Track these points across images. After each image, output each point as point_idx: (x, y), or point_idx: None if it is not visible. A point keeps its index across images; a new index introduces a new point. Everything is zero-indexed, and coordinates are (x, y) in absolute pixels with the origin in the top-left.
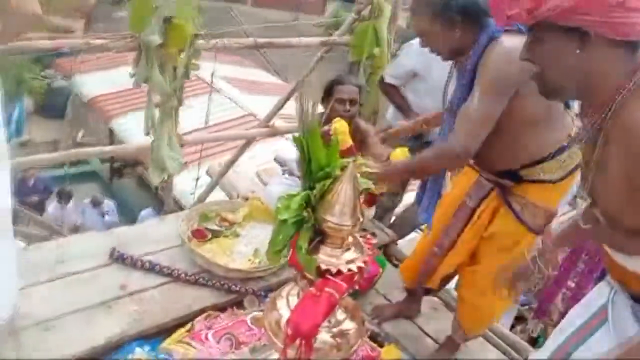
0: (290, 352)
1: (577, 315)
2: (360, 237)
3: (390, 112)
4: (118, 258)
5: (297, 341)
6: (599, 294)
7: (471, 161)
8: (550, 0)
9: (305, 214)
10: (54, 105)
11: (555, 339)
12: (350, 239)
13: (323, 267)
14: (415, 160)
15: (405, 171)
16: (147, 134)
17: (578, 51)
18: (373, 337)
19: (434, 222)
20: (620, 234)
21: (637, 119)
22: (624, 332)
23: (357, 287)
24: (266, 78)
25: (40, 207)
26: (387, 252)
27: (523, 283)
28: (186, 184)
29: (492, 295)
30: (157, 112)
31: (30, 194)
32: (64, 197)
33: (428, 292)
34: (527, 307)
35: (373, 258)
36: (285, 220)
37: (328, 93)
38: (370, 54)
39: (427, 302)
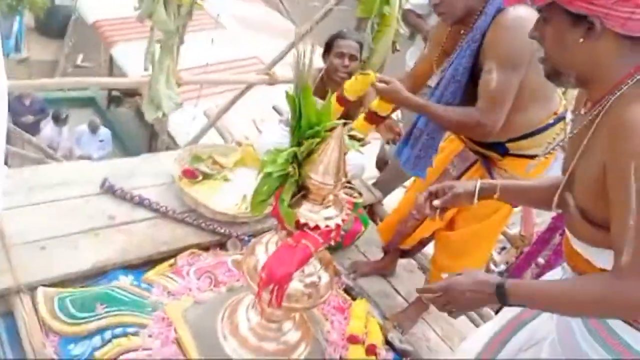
0: (264, 295)
1: None
2: (345, 195)
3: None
4: (109, 189)
5: (271, 286)
6: (553, 276)
7: None
8: None
9: (290, 169)
10: (55, 24)
11: (511, 310)
12: (332, 197)
13: (302, 220)
14: (437, 105)
15: (420, 106)
16: (146, 69)
17: (581, 40)
18: (347, 291)
19: (414, 184)
20: (587, 222)
21: (629, 119)
22: (566, 318)
23: (332, 242)
24: (276, 20)
25: (35, 128)
26: (372, 212)
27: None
28: (182, 121)
29: (466, 260)
30: (158, 49)
31: (26, 114)
32: (60, 120)
33: (405, 254)
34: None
35: (357, 216)
36: (270, 173)
37: (328, 47)
38: (380, 12)
39: (403, 264)
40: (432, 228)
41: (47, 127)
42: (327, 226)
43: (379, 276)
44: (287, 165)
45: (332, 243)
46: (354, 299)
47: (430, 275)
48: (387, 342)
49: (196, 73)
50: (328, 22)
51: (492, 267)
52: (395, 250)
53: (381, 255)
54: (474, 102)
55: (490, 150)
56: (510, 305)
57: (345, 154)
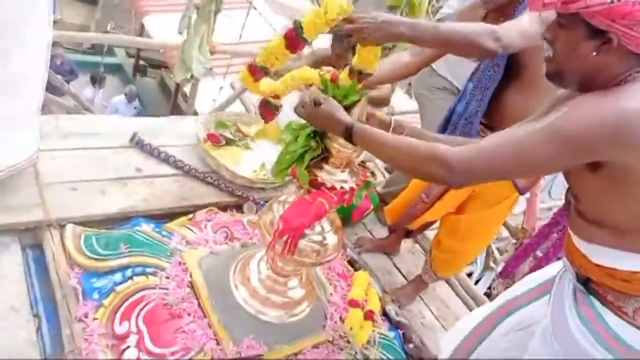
0: (277, 247)
1: (530, 280)
2: (359, 165)
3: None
4: (138, 143)
5: (285, 237)
6: (552, 268)
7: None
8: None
9: (313, 143)
10: None
11: (506, 295)
12: (349, 164)
13: (320, 180)
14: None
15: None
16: (181, 32)
17: (594, 54)
18: (351, 263)
19: None
20: (584, 220)
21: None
22: (561, 305)
23: (345, 204)
24: (306, 6)
25: (63, 88)
26: (380, 193)
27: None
28: (206, 95)
29: (471, 243)
30: (194, 14)
31: (57, 73)
32: (100, 81)
33: (409, 234)
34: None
35: (367, 194)
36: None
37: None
38: (410, 1)
39: (406, 244)
40: (441, 212)
41: (87, 90)
42: (342, 188)
43: (382, 253)
44: (309, 140)
45: (345, 205)
46: (356, 270)
47: (433, 257)
48: (384, 314)
49: (228, 46)
50: (359, 8)
51: (491, 264)
52: (400, 231)
53: (386, 234)
54: (509, 92)
55: None
56: (353, 143)
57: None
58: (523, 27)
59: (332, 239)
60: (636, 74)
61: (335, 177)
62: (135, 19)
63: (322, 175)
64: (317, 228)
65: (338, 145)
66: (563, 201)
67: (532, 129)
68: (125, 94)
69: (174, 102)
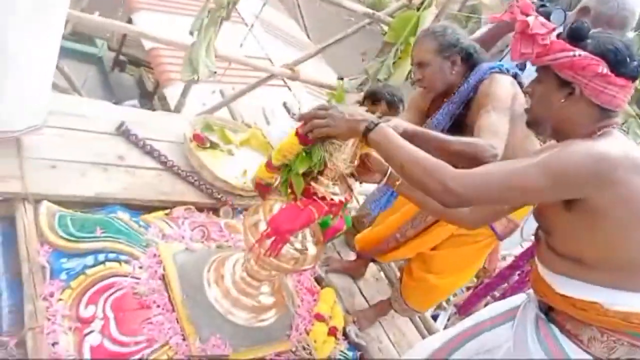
0: (261, 249)
1: (494, 308)
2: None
3: None
4: (125, 132)
5: (269, 241)
6: (517, 298)
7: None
8: (554, 53)
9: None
10: None
11: (469, 321)
12: (340, 179)
13: (312, 190)
14: (446, 137)
15: (433, 138)
16: (191, 33)
17: (562, 100)
18: (317, 280)
19: (401, 208)
20: (552, 252)
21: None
22: (524, 331)
23: (332, 215)
24: (292, 29)
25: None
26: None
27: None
28: (193, 102)
29: (446, 280)
30: (206, 18)
31: None
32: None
33: (375, 260)
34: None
35: (342, 216)
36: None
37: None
38: (406, 40)
39: (372, 269)
40: (416, 251)
41: None
42: (332, 200)
43: (347, 275)
44: (317, 160)
45: (332, 216)
46: (322, 288)
47: (403, 284)
48: (344, 334)
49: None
50: (355, 38)
51: (444, 304)
52: (368, 257)
53: (354, 257)
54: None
55: None
56: (367, 141)
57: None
58: (497, 125)
59: (312, 249)
60: (606, 129)
61: (327, 188)
62: (123, 13)
63: (315, 186)
64: (300, 237)
65: (335, 160)
66: (524, 247)
67: (527, 162)
68: None
69: (151, 101)
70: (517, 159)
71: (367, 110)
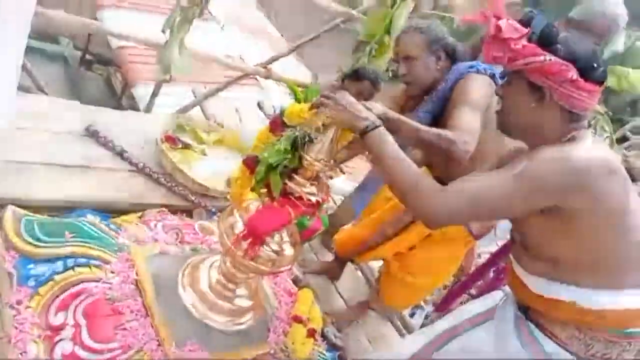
0: (238, 249)
1: (472, 308)
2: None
3: None
4: (93, 134)
5: (246, 242)
6: (495, 296)
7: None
8: (525, 57)
9: (290, 156)
10: None
11: (449, 320)
12: (317, 179)
13: (289, 189)
14: (419, 126)
15: (406, 126)
16: (164, 32)
17: (533, 105)
18: (295, 281)
19: (381, 208)
20: (527, 254)
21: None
22: (504, 330)
23: (308, 216)
24: (266, 26)
25: None
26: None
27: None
28: (164, 102)
29: (423, 279)
30: (179, 16)
31: None
32: None
33: (353, 260)
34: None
35: (319, 217)
36: (270, 164)
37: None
38: (380, 39)
39: (349, 268)
40: (394, 252)
41: None
42: (309, 200)
43: (325, 276)
44: (288, 152)
45: (308, 216)
46: (299, 289)
47: (381, 284)
48: (322, 335)
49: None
50: (328, 36)
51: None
52: (346, 258)
53: (331, 258)
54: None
55: None
56: (364, 138)
57: (336, 140)
58: (469, 121)
59: (289, 250)
60: (575, 132)
61: (304, 188)
62: (90, 10)
63: (291, 185)
64: (276, 237)
65: (310, 158)
66: (499, 244)
67: (504, 175)
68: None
69: (119, 101)
70: (487, 172)
71: (349, 88)
